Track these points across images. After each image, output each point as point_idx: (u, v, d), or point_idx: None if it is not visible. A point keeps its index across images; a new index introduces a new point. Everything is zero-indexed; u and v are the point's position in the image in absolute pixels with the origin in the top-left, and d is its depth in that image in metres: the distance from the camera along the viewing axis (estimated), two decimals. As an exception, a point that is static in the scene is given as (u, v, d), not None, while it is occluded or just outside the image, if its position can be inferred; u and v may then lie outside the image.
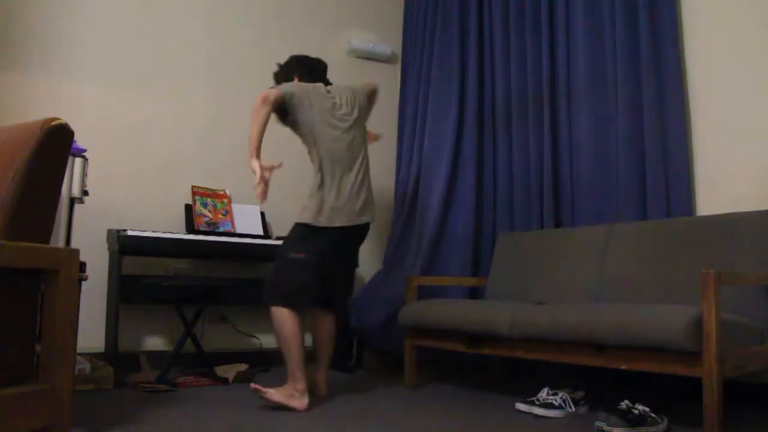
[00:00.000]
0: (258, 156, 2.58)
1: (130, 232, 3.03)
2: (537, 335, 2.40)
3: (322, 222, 2.62)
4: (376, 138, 3.08)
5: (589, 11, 3.22)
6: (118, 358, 2.99)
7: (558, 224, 3.31)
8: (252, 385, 2.48)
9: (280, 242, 3.46)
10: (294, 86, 2.72)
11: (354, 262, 3.00)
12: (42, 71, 3.20)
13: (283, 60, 2.92)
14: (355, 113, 2.78)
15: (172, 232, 3.23)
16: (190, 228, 3.37)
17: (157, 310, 3.36)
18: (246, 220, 3.57)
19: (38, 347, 1.37)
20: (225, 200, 3.54)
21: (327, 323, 2.81)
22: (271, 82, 2.90)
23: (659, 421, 2.13)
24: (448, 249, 3.63)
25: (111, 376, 2.78)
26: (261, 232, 3.57)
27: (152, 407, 2.38)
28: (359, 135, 2.78)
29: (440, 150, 3.75)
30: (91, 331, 3.03)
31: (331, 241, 2.65)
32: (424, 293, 3.19)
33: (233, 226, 3.49)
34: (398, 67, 4.35)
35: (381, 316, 3.41)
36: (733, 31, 2.75)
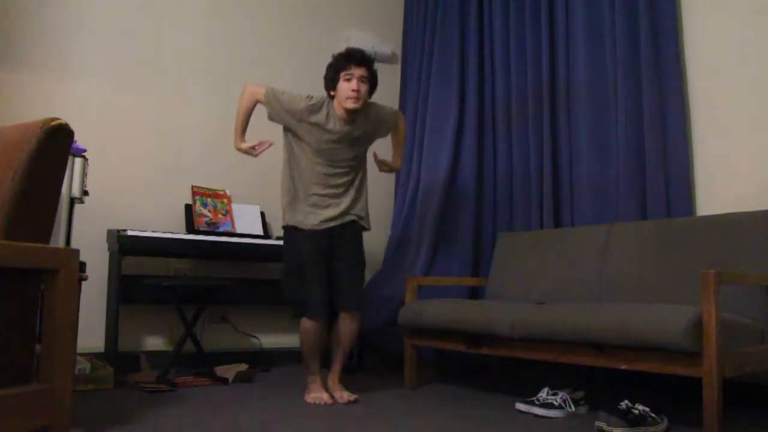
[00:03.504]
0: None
1: (130, 232, 3.03)
2: (537, 335, 2.40)
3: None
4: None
5: (589, 11, 3.22)
6: (118, 358, 2.99)
7: (558, 224, 3.30)
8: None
9: (280, 242, 3.48)
10: None
11: (354, 260, 2.78)
12: (42, 71, 3.20)
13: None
14: None
15: (172, 232, 3.22)
16: (190, 228, 3.37)
17: (157, 310, 3.35)
18: (246, 220, 3.56)
19: (38, 347, 1.37)
20: (225, 200, 3.54)
21: (342, 325, 2.74)
22: (268, 81, 2.89)
23: (659, 421, 2.13)
24: (448, 249, 3.63)
25: (111, 376, 2.78)
26: (261, 232, 3.57)
27: (152, 407, 2.38)
28: None
29: (440, 150, 3.75)
30: (91, 331, 3.03)
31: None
32: (424, 293, 3.18)
33: (233, 226, 3.49)
34: (398, 67, 4.35)
35: (381, 316, 3.41)
36: (733, 31, 2.75)
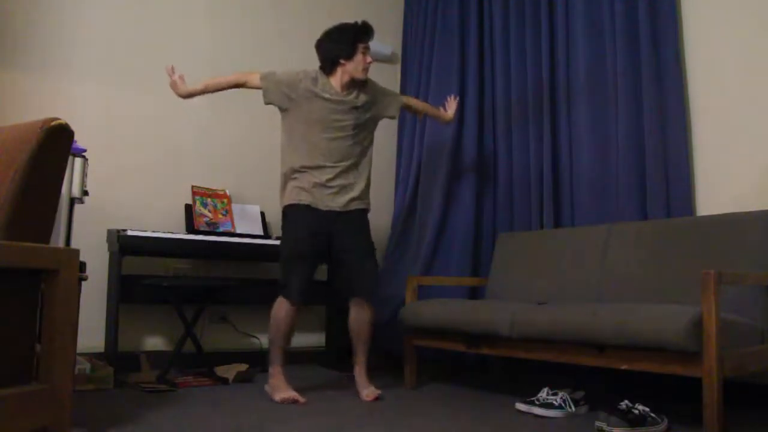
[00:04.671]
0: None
1: (130, 232, 3.03)
2: (537, 335, 2.40)
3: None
4: None
5: (589, 11, 3.22)
6: (118, 358, 2.99)
7: (558, 224, 3.30)
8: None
9: (279, 242, 3.48)
10: None
11: (363, 249, 2.81)
12: (42, 71, 3.20)
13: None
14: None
15: (172, 232, 3.22)
16: (190, 228, 3.37)
17: (157, 310, 3.36)
18: (246, 220, 3.57)
19: (38, 347, 1.36)
20: (225, 200, 3.54)
21: (354, 314, 2.79)
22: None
23: (659, 421, 2.13)
24: (448, 249, 3.63)
25: (111, 376, 2.78)
26: (261, 232, 3.57)
27: (152, 407, 2.38)
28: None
29: (440, 149, 3.75)
30: (91, 331, 3.03)
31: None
32: (424, 293, 3.18)
33: (233, 226, 3.49)
34: (398, 67, 4.35)
35: (381, 315, 3.41)
36: (733, 31, 2.75)
